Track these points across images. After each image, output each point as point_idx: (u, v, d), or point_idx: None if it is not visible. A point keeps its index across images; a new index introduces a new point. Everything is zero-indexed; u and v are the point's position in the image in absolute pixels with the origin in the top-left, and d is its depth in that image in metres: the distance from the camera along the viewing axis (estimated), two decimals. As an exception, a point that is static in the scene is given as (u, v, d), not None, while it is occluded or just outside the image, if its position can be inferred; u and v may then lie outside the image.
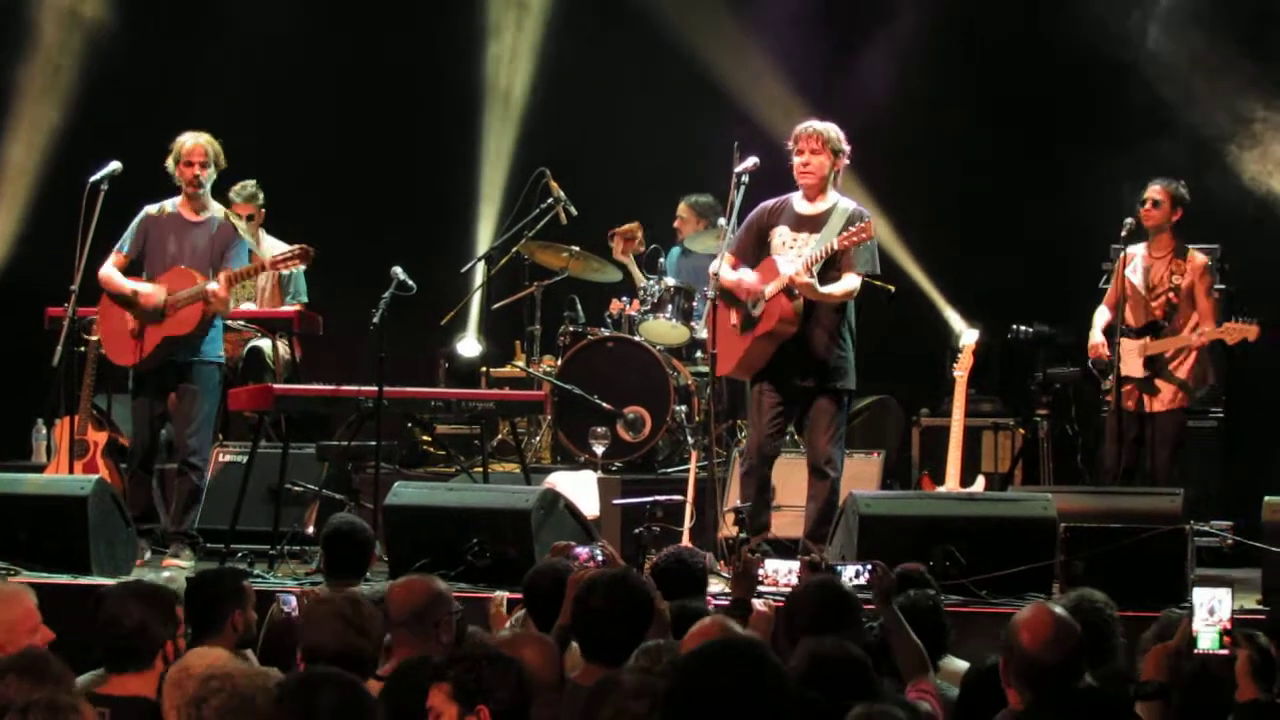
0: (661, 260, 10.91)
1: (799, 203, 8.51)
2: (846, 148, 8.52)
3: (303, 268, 9.95)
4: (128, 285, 8.96)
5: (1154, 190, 9.19)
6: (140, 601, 5.04)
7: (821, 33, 11.77)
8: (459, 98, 12.62)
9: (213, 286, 8.80)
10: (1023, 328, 10.43)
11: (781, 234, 8.47)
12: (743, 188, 8.47)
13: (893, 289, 10.58)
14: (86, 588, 7.54)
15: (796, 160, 8.43)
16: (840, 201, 8.49)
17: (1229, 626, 4.53)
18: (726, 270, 8.52)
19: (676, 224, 11.16)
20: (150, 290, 8.92)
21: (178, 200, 9.10)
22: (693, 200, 11.08)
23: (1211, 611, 4.52)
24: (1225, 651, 4.51)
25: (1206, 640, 4.49)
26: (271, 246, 10.51)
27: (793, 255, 8.36)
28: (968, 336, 9.59)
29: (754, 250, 8.47)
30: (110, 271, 9.01)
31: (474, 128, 12.59)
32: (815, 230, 8.42)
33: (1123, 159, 10.43)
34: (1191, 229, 9.60)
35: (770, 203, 8.58)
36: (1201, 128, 10.72)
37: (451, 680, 4.13)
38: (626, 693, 4.14)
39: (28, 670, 4.38)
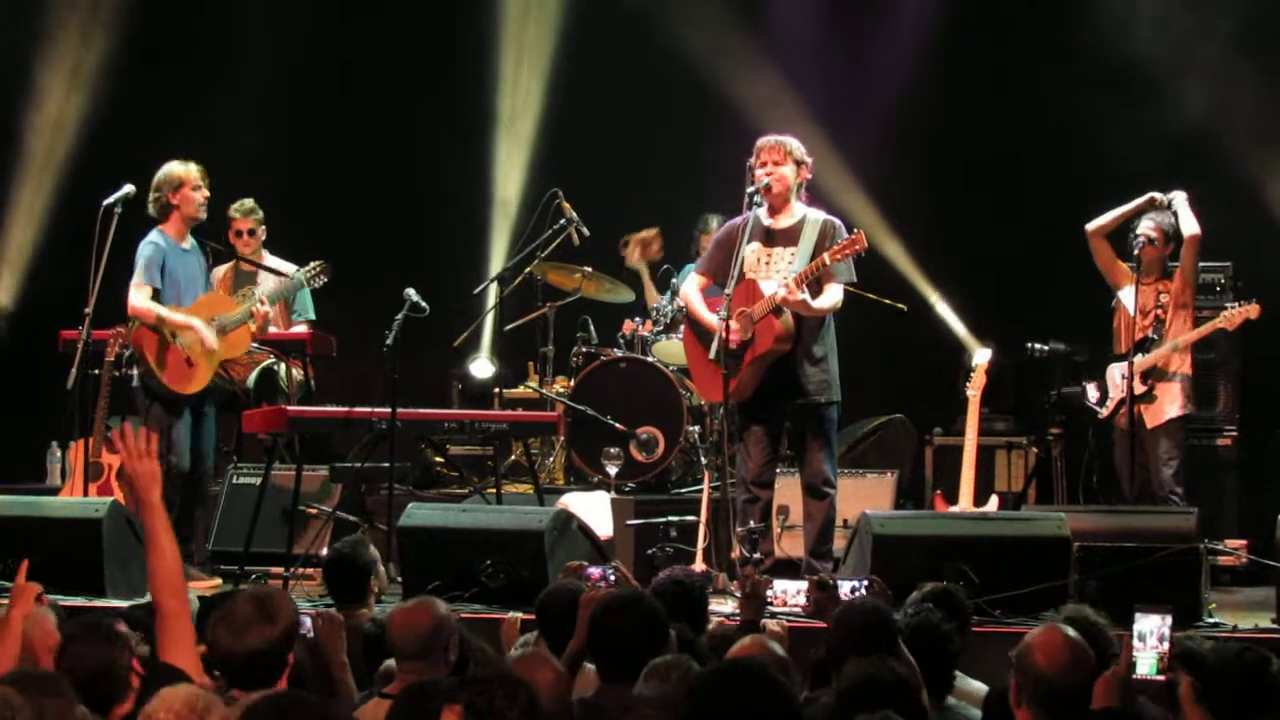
0: (674, 280, 10.91)
1: (765, 217, 8.51)
2: (809, 159, 8.53)
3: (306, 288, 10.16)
4: (179, 318, 9.08)
5: (1147, 228, 9.25)
6: (99, 641, 4.99)
7: (832, 52, 11.78)
8: (471, 118, 12.64)
9: (265, 309, 9.12)
10: (1038, 345, 10.42)
11: (755, 250, 8.47)
12: (755, 207, 8.48)
13: (904, 308, 10.63)
14: (101, 610, 7.56)
15: (759, 172, 8.43)
16: (809, 213, 8.49)
17: (1168, 652, 4.51)
18: (699, 302, 8.55)
19: (705, 241, 11.01)
20: (205, 332, 9.05)
21: (165, 229, 9.16)
22: (715, 223, 10.97)
23: (1161, 638, 4.50)
24: (1163, 677, 4.49)
25: (1145, 666, 4.47)
26: (273, 264, 10.52)
27: (773, 274, 8.35)
28: (980, 355, 9.60)
29: (725, 268, 8.42)
30: (151, 304, 9.05)
31: (487, 148, 12.61)
32: (790, 244, 8.42)
33: (1140, 173, 10.43)
34: (1204, 246, 9.61)
35: (736, 220, 8.58)
36: (1218, 143, 10.72)
37: (464, 702, 4.14)
38: (647, 702, 4.18)
39: (31, 688, 4.40)
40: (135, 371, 9.18)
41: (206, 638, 4.89)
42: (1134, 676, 4.47)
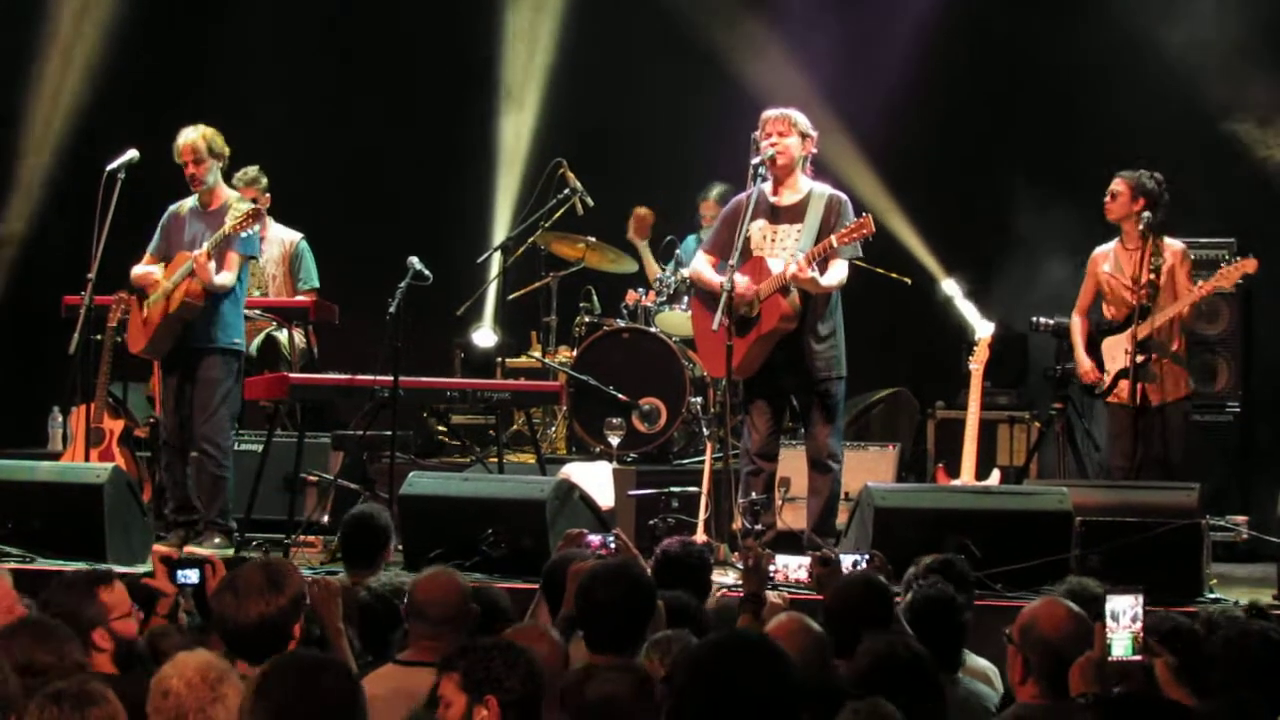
0: (678, 251, 10.91)
1: (771, 194, 8.46)
2: (814, 132, 8.48)
3: (307, 248, 10.37)
4: (146, 271, 9.02)
5: (1114, 182, 9.10)
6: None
7: (839, 24, 11.74)
8: (476, 87, 12.62)
9: (195, 253, 8.74)
10: (1042, 319, 10.39)
11: (760, 228, 8.43)
12: (760, 180, 8.45)
13: (909, 281, 10.60)
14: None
15: (764, 144, 8.37)
16: (815, 187, 8.45)
17: (1143, 632, 4.51)
18: (709, 272, 8.52)
19: (707, 221, 10.99)
20: (156, 276, 8.95)
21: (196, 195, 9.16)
22: (714, 195, 10.96)
23: (1135, 619, 4.50)
24: (1140, 658, 4.49)
25: (1120, 647, 4.47)
26: (277, 232, 10.52)
27: (779, 251, 8.32)
28: (983, 329, 9.57)
29: (731, 245, 8.35)
30: (136, 268, 9.05)
31: (491, 117, 12.60)
32: (796, 220, 8.38)
33: (1140, 148, 10.41)
34: (1208, 223, 9.59)
35: (741, 196, 8.54)
36: (1219, 116, 10.69)
37: (461, 670, 4.14)
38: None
39: (39, 635, 4.45)
40: None
41: (212, 606, 4.91)
42: (1111, 659, 4.46)
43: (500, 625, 5.38)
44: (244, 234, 8.78)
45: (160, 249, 9.10)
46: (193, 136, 8.98)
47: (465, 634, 5.18)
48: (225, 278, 8.86)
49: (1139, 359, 8.91)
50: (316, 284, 10.48)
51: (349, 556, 6.89)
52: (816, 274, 8.16)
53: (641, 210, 11.22)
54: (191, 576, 5.57)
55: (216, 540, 8.80)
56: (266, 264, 10.49)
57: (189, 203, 9.11)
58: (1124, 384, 9.01)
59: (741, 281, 8.21)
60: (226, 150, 9.08)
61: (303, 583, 4.99)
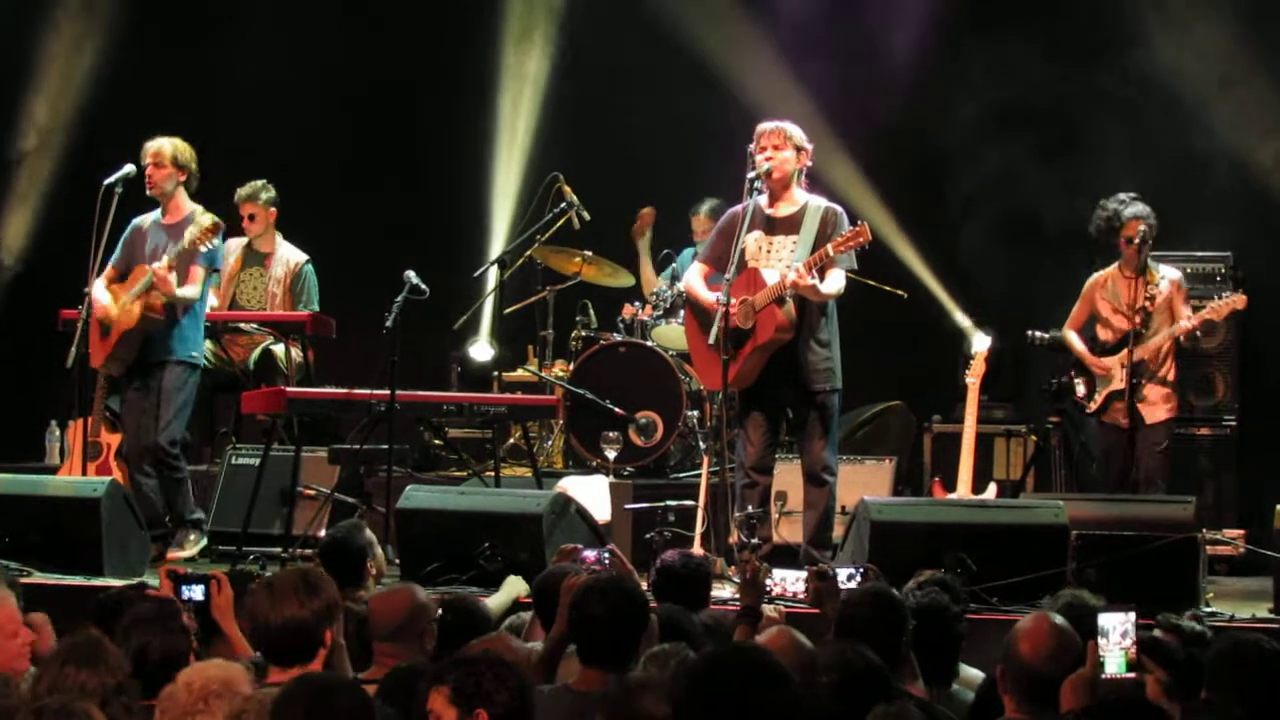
0: (674, 264, 10.91)
1: (766, 205, 8.48)
2: (809, 145, 8.50)
3: (311, 271, 10.43)
4: (95, 298, 9.08)
5: (1130, 228, 9.23)
6: (158, 629, 5.05)
7: (833, 36, 11.74)
8: (472, 101, 12.62)
9: (155, 265, 8.85)
10: (1038, 333, 10.41)
11: (756, 239, 8.44)
12: (755, 193, 8.45)
13: (904, 294, 10.61)
14: (100, 589, 7.56)
15: (759, 157, 8.39)
16: (810, 200, 8.46)
17: (1135, 649, 4.51)
18: (701, 288, 8.52)
19: (698, 236, 11.03)
20: (104, 304, 9.05)
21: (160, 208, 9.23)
22: (705, 210, 10.98)
23: (1124, 635, 4.50)
24: (1133, 675, 4.49)
25: (1113, 665, 4.48)
26: (284, 251, 10.53)
27: (774, 262, 8.33)
28: (980, 343, 9.59)
29: (728, 256, 8.35)
30: (95, 285, 9.10)
31: (487, 131, 12.59)
32: (791, 232, 8.39)
33: (1134, 160, 10.42)
34: (1204, 236, 9.59)
35: (736, 208, 8.55)
36: (1218, 129, 10.69)
37: (451, 684, 4.15)
38: (649, 692, 4.18)
39: (85, 658, 4.46)
40: None
41: (245, 607, 4.94)
42: (1104, 676, 4.46)
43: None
44: (204, 248, 8.87)
45: (122, 261, 9.22)
46: (161, 142, 9.17)
47: (421, 648, 5.23)
48: (189, 291, 9.02)
49: (1127, 384, 9.08)
50: (317, 307, 10.47)
51: (335, 579, 6.90)
52: (816, 280, 8.17)
53: (645, 210, 11.28)
54: (197, 593, 5.60)
55: (191, 537, 9.04)
56: (269, 281, 10.51)
57: (152, 216, 9.21)
58: (1115, 405, 9.26)
59: (733, 304, 8.21)
60: (194, 168, 9.20)
61: (338, 593, 5.03)
